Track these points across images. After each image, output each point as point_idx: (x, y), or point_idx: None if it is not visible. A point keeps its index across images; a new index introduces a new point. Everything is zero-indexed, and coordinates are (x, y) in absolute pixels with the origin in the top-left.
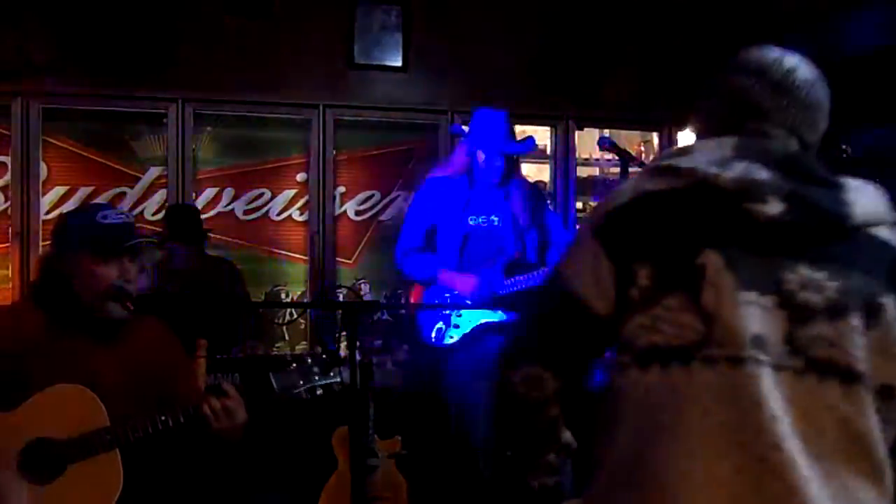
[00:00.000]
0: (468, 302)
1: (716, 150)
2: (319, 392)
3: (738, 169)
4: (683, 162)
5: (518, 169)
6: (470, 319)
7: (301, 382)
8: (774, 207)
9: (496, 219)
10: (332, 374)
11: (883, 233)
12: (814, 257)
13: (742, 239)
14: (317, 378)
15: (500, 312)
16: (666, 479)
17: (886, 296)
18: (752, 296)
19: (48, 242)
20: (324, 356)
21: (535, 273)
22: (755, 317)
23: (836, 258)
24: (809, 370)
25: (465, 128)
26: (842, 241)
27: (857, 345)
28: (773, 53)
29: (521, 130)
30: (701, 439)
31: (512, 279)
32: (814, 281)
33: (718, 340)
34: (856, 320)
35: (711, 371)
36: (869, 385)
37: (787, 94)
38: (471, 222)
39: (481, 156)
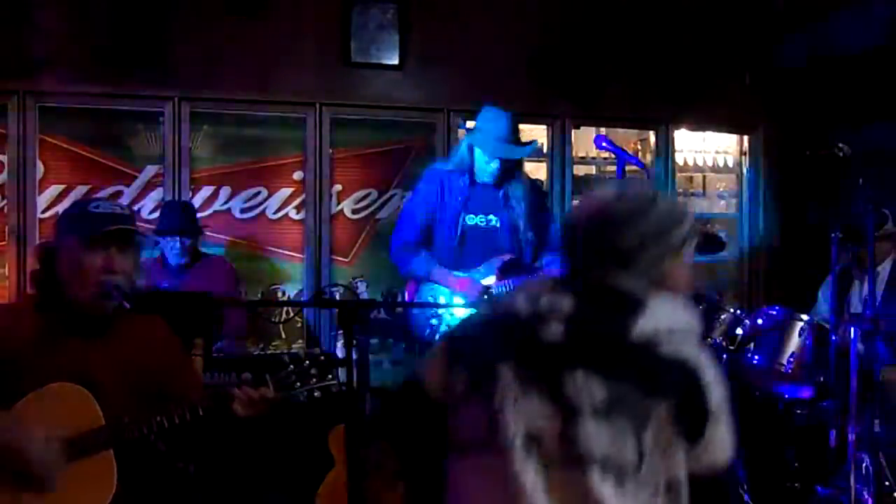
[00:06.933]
0: (461, 301)
1: (542, 286)
2: (317, 395)
3: (544, 301)
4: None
5: (521, 168)
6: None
7: (298, 385)
8: (555, 329)
9: (494, 219)
10: (329, 376)
11: (666, 348)
12: (589, 369)
13: (530, 355)
14: (314, 380)
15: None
16: None
17: (656, 403)
18: (532, 401)
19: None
20: (321, 357)
21: (530, 275)
22: (532, 418)
23: (611, 369)
24: (576, 464)
25: (472, 123)
26: (618, 355)
27: (626, 443)
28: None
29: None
30: None
31: (506, 280)
32: (587, 388)
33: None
34: (623, 422)
35: (490, 461)
36: (642, 480)
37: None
38: (469, 221)
39: (479, 154)
